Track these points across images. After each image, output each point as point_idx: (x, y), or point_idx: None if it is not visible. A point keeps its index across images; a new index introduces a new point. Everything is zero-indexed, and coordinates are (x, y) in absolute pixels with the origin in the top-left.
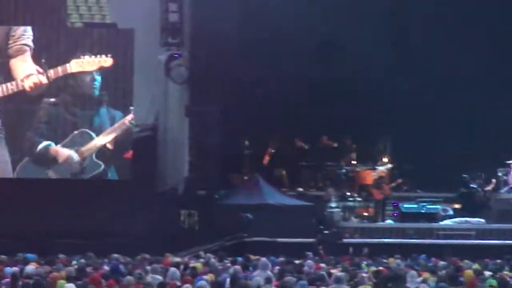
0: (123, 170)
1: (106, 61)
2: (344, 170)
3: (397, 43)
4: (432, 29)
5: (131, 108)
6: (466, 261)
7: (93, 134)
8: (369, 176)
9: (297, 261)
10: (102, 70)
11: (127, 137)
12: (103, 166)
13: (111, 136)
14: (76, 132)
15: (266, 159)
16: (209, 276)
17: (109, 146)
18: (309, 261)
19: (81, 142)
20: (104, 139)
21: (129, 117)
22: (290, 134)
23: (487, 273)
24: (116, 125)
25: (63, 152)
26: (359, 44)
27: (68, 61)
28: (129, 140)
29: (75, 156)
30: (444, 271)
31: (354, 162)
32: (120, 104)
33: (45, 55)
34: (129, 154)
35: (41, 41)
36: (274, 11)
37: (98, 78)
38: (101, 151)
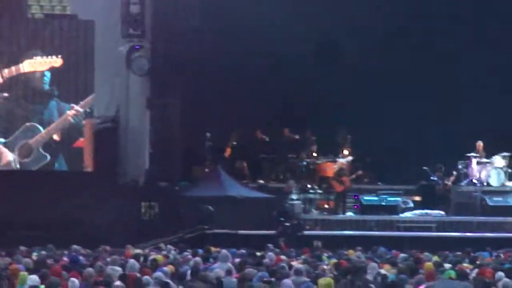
0: (74, 160)
1: (57, 61)
2: (304, 163)
3: (356, 38)
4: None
5: (81, 102)
6: (426, 253)
7: (41, 128)
8: (330, 169)
9: (258, 253)
10: (64, 61)
11: (76, 127)
12: (49, 157)
13: (55, 130)
14: (26, 125)
15: (228, 151)
16: (169, 268)
17: (55, 137)
18: (270, 253)
19: (30, 136)
20: (49, 133)
21: (72, 112)
22: (251, 126)
23: (447, 265)
24: (59, 120)
25: (6, 156)
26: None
27: (27, 53)
28: (78, 130)
29: (15, 162)
30: (404, 263)
31: (315, 155)
32: (80, 96)
33: (4, 46)
34: (79, 143)
35: (1, 32)
36: (234, 3)
37: (48, 73)
38: (48, 143)
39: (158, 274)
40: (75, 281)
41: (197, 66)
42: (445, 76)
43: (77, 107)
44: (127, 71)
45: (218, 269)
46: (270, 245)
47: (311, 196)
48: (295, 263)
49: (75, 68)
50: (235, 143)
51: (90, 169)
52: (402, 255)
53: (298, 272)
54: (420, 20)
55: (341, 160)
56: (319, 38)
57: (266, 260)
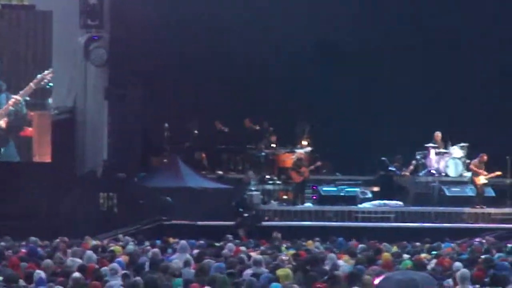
0: (23, 148)
1: None
2: (263, 153)
3: (313, 31)
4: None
5: (20, 91)
6: (385, 243)
7: None
8: (289, 159)
9: (216, 244)
10: (21, 52)
11: (19, 116)
12: None
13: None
14: None
15: (187, 142)
16: (125, 259)
17: (2, 125)
18: (229, 244)
19: None
20: None
21: (12, 101)
22: (210, 117)
23: (406, 256)
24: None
25: None
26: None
27: None
28: (23, 119)
29: None
30: (363, 254)
31: (274, 145)
32: (38, 87)
33: None
34: (26, 132)
35: None
36: None
37: None
38: None
39: (114, 265)
40: (41, 272)
41: (155, 56)
42: (403, 66)
43: (15, 96)
44: (85, 62)
45: (176, 260)
46: (229, 236)
47: (270, 187)
48: (254, 254)
49: (33, 59)
50: (196, 131)
51: (40, 159)
52: (360, 245)
53: (257, 263)
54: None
55: (300, 151)
56: (278, 30)
57: (225, 251)
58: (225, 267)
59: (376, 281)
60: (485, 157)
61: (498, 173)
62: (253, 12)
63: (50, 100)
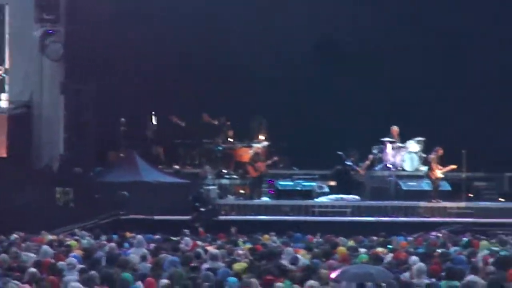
0: None
1: None
2: (220, 148)
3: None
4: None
5: None
6: (341, 238)
7: None
8: (245, 154)
9: (173, 239)
10: None
11: None
12: None
13: None
14: None
15: (143, 136)
16: (80, 253)
17: None
18: (186, 239)
19: None
20: None
21: None
22: (167, 111)
23: (362, 250)
24: None
25: None
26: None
27: None
28: None
29: None
30: (319, 248)
31: (231, 140)
32: None
33: None
34: None
35: None
36: None
37: None
38: None
39: (71, 259)
40: None
41: (111, 51)
42: (359, 60)
43: None
44: (41, 56)
45: (133, 255)
46: (186, 231)
47: (227, 181)
48: (211, 248)
49: None
50: (154, 124)
51: None
52: (317, 239)
53: (213, 257)
54: None
55: (257, 145)
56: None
57: (182, 245)
58: (180, 261)
59: (333, 275)
60: (441, 151)
61: (453, 166)
62: (212, 13)
63: (4, 95)
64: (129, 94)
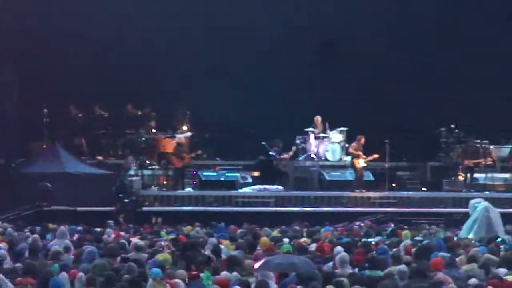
0: None
1: None
2: (144, 138)
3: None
4: None
5: None
6: (265, 228)
7: None
8: (169, 145)
9: (97, 230)
10: None
11: None
12: None
13: None
14: None
15: (66, 127)
16: (2, 244)
17: None
18: (109, 230)
19: None
20: None
21: None
22: (89, 102)
23: (286, 240)
24: None
25: None
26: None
27: None
28: None
29: None
30: (243, 239)
31: (154, 130)
32: None
33: None
34: None
35: None
36: None
37: None
38: None
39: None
40: None
41: (32, 42)
42: (284, 50)
43: None
44: None
45: (55, 246)
46: (110, 222)
47: (150, 172)
48: (134, 239)
49: None
50: (79, 114)
51: None
52: (240, 230)
53: (137, 248)
54: None
55: (180, 136)
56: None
57: (105, 236)
58: (100, 252)
59: (256, 265)
60: (363, 140)
61: (376, 155)
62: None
63: None
64: (52, 84)
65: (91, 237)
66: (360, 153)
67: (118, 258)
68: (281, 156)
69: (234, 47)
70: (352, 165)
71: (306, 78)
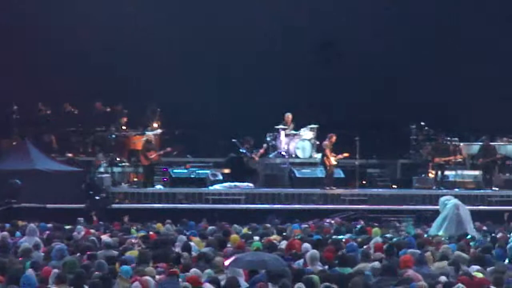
0: None
1: None
2: (114, 136)
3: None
4: None
5: None
6: (235, 225)
7: None
8: (139, 142)
9: (66, 227)
10: None
11: None
12: None
13: None
14: None
15: (36, 123)
16: None
17: None
18: (79, 227)
19: None
20: None
21: None
22: (59, 99)
23: (256, 237)
24: None
25: None
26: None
27: None
28: None
29: None
30: (213, 236)
31: (124, 128)
32: None
33: None
34: None
35: None
36: None
37: None
38: None
39: None
40: None
41: (3, 37)
42: (254, 47)
43: None
44: None
45: (25, 243)
46: (80, 219)
47: (120, 169)
48: (104, 237)
49: None
50: (47, 112)
51: None
52: (211, 227)
53: (107, 246)
54: None
55: (150, 133)
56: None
57: (75, 234)
58: (69, 249)
59: (227, 262)
60: (334, 138)
61: (346, 154)
62: None
63: None
64: (21, 81)
65: (61, 235)
66: (331, 151)
67: (87, 256)
68: (252, 153)
69: (202, 45)
70: (323, 163)
71: (275, 75)
